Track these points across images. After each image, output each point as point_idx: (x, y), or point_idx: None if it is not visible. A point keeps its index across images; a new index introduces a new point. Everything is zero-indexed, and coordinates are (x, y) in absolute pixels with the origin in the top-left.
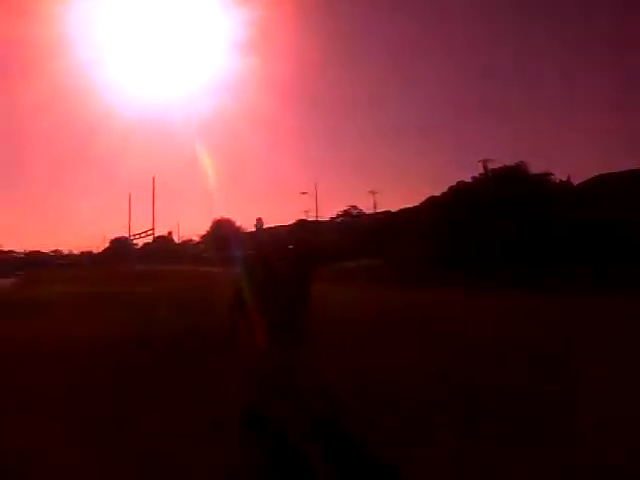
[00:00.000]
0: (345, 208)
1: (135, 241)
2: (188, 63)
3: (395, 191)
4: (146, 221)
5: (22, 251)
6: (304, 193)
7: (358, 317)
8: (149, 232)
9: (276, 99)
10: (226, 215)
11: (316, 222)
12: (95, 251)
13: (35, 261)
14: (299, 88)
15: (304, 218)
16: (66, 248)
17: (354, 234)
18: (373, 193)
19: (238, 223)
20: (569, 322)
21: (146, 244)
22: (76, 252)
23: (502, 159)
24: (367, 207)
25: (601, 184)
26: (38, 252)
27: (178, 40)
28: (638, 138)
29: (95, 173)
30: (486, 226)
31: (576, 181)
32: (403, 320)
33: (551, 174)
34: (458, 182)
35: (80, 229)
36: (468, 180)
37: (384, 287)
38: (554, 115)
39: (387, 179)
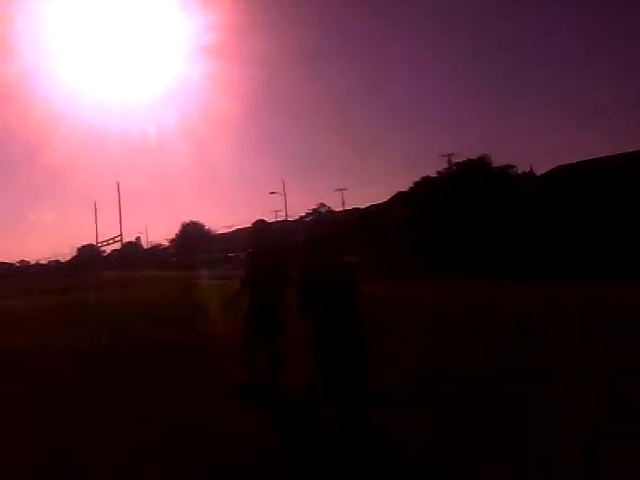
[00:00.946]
0: (314, 206)
1: (103, 248)
2: (152, 67)
3: (361, 188)
4: (114, 228)
5: None
6: (273, 193)
7: None
8: (116, 239)
9: (241, 102)
10: (195, 218)
11: (276, 222)
12: (63, 260)
13: (1, 272)
14: (264, 90)
15: (262, 219)
16: (33, 258)
17: (327, 231)
18: (341, 190)
19: (207, 226)
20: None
21: (114, 251)
22: (43, 262)
23: (466, 153)
24: (336, 205)
25: (563, 174)
26: (3, 263)
27: (142, 44)
28: (596, 128)
29: (59, 182)
30: (453, 218)
31: (539, 172)
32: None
33: (513, 166)
34: (423, 177)
35: (47, 239)
36: (433, 175)
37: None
38: (517, 108)
39: (354, 177)
